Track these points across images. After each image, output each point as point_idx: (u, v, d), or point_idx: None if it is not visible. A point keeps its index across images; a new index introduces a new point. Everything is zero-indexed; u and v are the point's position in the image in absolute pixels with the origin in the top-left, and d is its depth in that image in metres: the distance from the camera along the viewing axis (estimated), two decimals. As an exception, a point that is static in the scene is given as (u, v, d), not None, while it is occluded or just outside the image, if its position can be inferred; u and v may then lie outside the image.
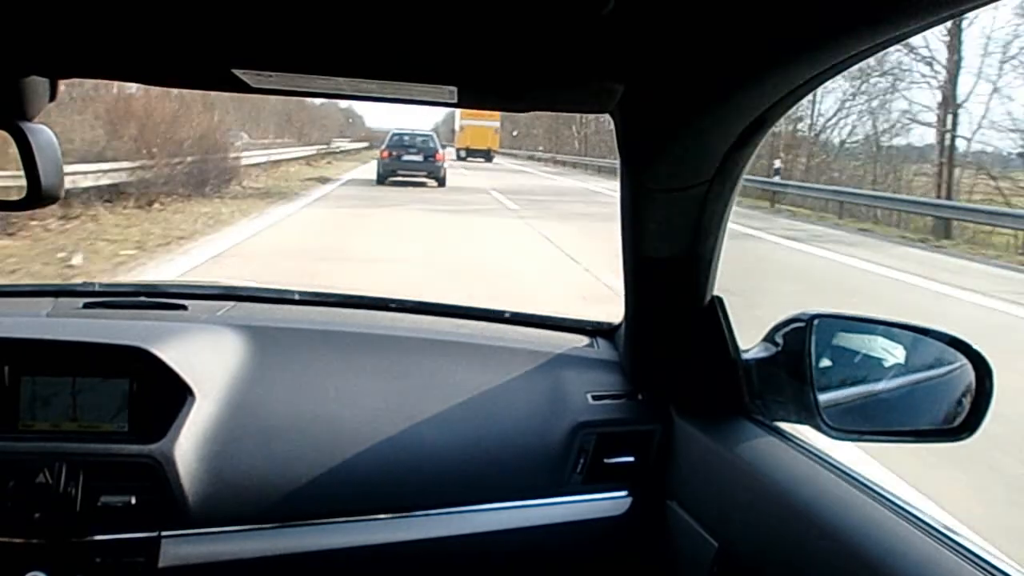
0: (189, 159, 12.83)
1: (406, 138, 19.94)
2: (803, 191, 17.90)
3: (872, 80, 19.21)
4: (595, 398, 1.31)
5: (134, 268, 7.07)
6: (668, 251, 1.13)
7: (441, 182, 19.46)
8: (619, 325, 1.39)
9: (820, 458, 1.03)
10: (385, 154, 19.72)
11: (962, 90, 16.74)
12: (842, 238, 12.57)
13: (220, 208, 11.77)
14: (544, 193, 19.49)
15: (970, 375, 1.04)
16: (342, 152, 34.81)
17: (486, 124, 36.09)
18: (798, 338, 1.10)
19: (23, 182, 1.00)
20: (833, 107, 20.90)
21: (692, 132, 0.97)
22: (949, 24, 12.47)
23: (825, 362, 1.11)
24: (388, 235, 9.78)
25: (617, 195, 1.12)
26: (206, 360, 1.21)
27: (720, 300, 1.17)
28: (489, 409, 1.29)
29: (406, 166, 19.42)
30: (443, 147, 21.34)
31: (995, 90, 17.57)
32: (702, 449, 1.17)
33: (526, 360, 1.36)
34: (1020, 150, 16.42)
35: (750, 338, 1.19)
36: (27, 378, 1.15)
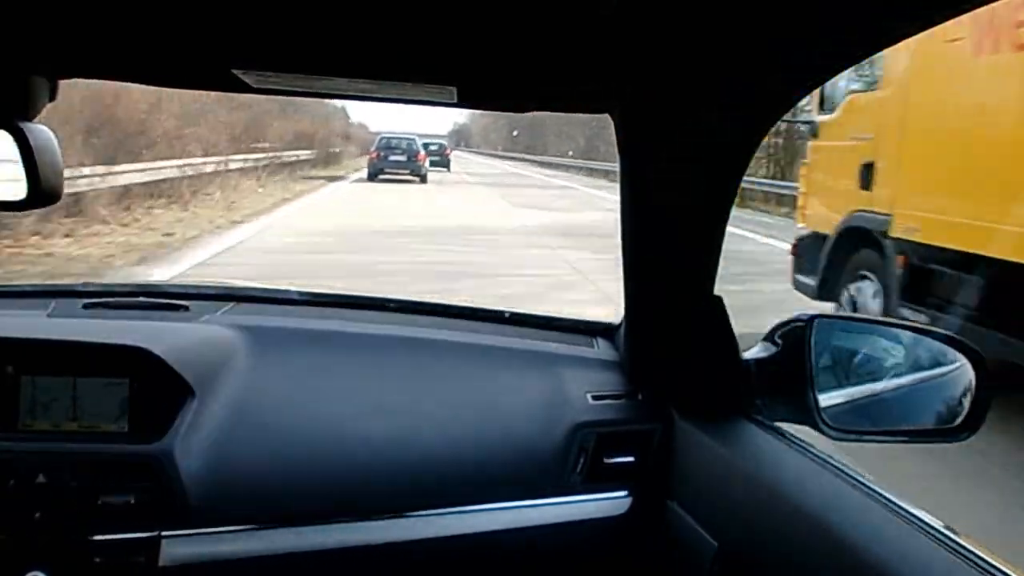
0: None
1: (393, 141, 23.60)
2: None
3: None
4: (595, 398, 1.30)
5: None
6: (668, 251, 1.13)
7: (423, 179, 23.02)
8: (619, 325, 1.39)
9: (820, 458, 1.03)
10: (374, 155, 23.44)
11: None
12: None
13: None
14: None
15: (969, 374, 1.05)
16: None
17: None
18: (798, 338, 1.10)
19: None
20: None
21: (692, 132, 0.97)
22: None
23: (825, 362, 1.11)
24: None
25: None
26: (207, 360, 1.21)
27: (720, 300, 1.17)
28: (489, 409, 1.28)
29: (392, 165, 22.99)
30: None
31: None
32: (702, 449, 1.17)
33: (526, 360, 1.36)
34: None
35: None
36: (27, 378, 1.14)
